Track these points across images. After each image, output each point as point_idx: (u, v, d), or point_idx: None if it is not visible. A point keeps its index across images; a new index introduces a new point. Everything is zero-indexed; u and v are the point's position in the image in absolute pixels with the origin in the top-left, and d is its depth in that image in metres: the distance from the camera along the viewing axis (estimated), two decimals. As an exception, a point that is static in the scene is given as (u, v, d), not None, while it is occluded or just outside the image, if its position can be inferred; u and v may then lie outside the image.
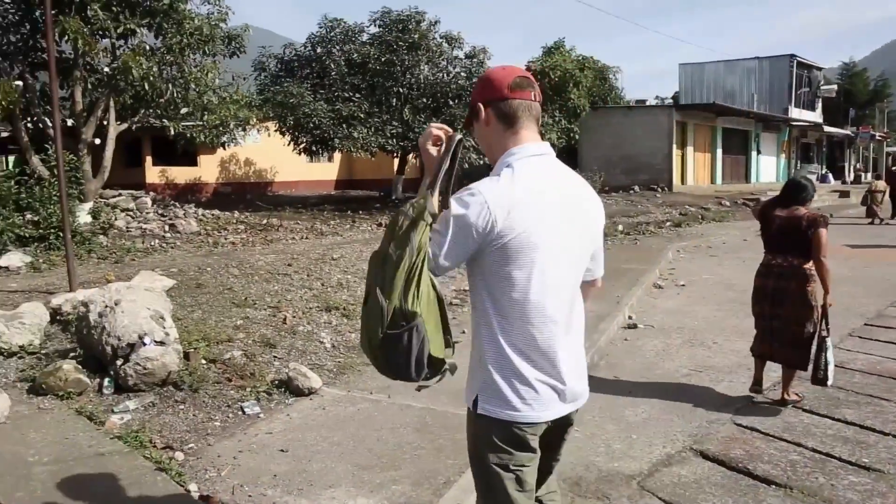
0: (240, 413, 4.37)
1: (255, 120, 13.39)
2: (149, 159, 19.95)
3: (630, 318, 7.25)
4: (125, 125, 12.24)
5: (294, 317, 6.40)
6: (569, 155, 24.77)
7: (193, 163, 21.16)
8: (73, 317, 5.31)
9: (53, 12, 8.36)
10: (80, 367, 4.56)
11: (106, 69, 11.16)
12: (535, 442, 1.86)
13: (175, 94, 11.88)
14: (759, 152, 30.93)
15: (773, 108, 32.65)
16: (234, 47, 14.11)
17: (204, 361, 5.07)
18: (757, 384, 4.84)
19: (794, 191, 4.64)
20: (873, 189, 17.95)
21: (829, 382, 4.50)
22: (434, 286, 1.71)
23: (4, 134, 15.07)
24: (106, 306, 4.67)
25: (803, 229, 4.43)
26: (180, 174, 20.82)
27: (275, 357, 5.39)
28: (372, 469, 3.55)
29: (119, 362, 4.45)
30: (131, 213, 11.80)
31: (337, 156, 23.53)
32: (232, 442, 3.91)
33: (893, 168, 23.10)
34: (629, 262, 10.63)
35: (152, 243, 10.21)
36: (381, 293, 1.66)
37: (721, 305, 7.91)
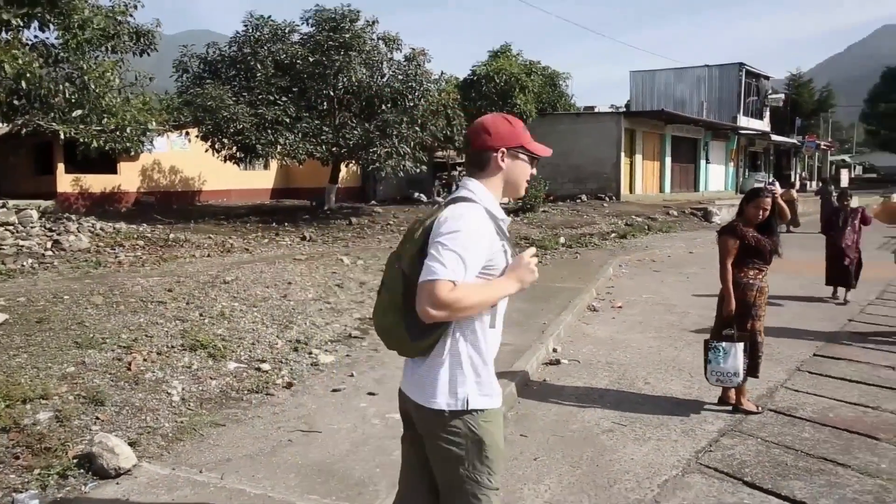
0: (7, 511, 3.26)
1: (154, 124, 12.07)
2: (61, 166, 18.28)
3: (554, 350, 6.32)
4: (6, 127, 10.87)
5: (146, 360, 5.27)
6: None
7: (113, 170, 19.56)
8: None
9: None
10: None
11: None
12: None
13: (69, 94, 10.59)
14: (707, 161, 30.69)
15: (722, 117, 32.56)
16: (143, 44, 12.87)
17: (-7, 429, 3.94)
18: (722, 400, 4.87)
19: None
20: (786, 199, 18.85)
21: (711, 381, 4.62)
22: None
23: None
24: None
25: None
26: (96, 183, 19.19)
27: (97, 419, 4.26)
28: None
29: None
30: (11, 227, 10.38)
31: (274, 163, 22.19)
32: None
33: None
34: (565, 279, 9.76)
35: (24, 263, 8.90)
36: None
37: (659, 332, 7.08)
